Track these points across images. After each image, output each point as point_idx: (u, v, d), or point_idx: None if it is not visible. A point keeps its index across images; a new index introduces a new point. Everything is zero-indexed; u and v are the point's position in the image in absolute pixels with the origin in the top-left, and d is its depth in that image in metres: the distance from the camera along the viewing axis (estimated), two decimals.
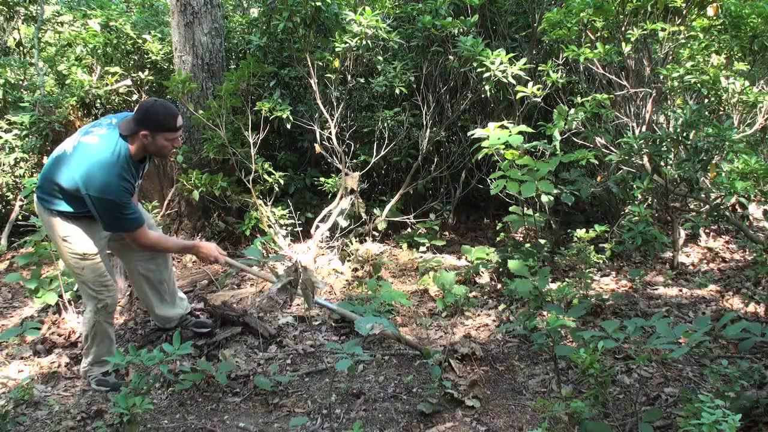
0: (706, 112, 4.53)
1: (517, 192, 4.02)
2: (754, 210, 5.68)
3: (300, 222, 5.37)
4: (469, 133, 4.72)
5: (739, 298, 4.22)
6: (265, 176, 5.21)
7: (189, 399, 3.26)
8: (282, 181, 5.33)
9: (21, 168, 5.78)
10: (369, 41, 4.91)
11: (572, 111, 4.57)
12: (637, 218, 4.10)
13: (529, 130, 4.29)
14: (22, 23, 7.21)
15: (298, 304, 4.27)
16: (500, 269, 4.61)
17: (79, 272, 3.21)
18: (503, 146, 4.15)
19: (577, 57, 4.44)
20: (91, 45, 5.76)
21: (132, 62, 6.04)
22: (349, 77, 5.23)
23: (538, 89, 4.72)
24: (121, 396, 2.80)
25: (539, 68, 4.91)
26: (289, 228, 5.35)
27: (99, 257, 3.23)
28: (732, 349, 3.44)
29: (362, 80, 5.40)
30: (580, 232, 4.76)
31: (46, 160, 3.27)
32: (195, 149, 5.47)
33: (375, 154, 5.42)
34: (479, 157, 4.38)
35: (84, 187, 2.96)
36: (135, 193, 3.24)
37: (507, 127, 4.20)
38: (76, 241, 3.16)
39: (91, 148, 3.01)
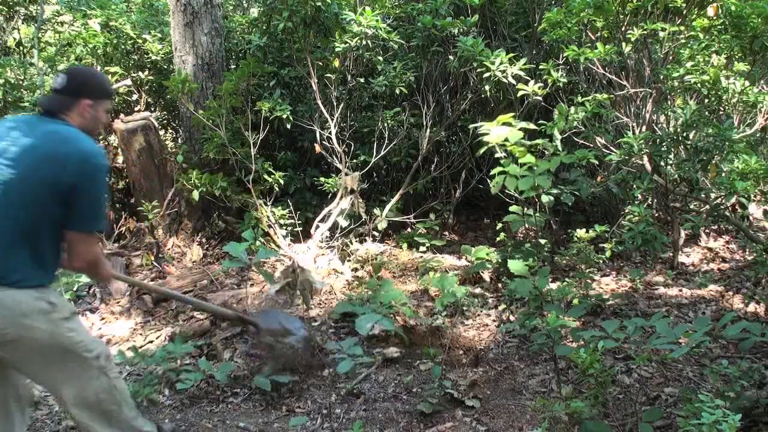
0: (706, 112, 4.53)
1: (515, 187, 4.00)
2: (754, 210, 5.68)
3: (300, 222, 5.37)
4: (471, 126, 4.70)
5: (739, 298, 4.22)
6: (265, 176, 5.21)
7: (189, 398, 3.26)
8: (282, 181, 5.33)
9: None
10: (369, 41, 4.91)
11: (572, 110, 4.57)
12: (637, 218, 4.10)
13: (532, 126, 4.28)
14: (22, 23, 7.21)
15: (298, 304, 4.27)
16: (500, 269, 4.61)
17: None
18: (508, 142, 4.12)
19: (577, 57, 4.44)
20: (91, 45, 5.76)
21: (132, 62, 6.04)
22: (349, 77, 5.23)
23: (539, 87, 4.72)
24: None
25: (539, 68, 4.91)
26: (289, 228, 5.34)
27: None
28: (732, 349, 3.43)
29: (362, 80, 5.40)
30: (580, 232, 4.76)
31: None
32: (195, 149, 5.47)
33: (375, 154, 5.42)
34: (480, 153, 4.37)
35: (79, 164, 2.09)
36: None
37: (511, 124, 4.19)
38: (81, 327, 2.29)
39: (35, 139, 2.13)
